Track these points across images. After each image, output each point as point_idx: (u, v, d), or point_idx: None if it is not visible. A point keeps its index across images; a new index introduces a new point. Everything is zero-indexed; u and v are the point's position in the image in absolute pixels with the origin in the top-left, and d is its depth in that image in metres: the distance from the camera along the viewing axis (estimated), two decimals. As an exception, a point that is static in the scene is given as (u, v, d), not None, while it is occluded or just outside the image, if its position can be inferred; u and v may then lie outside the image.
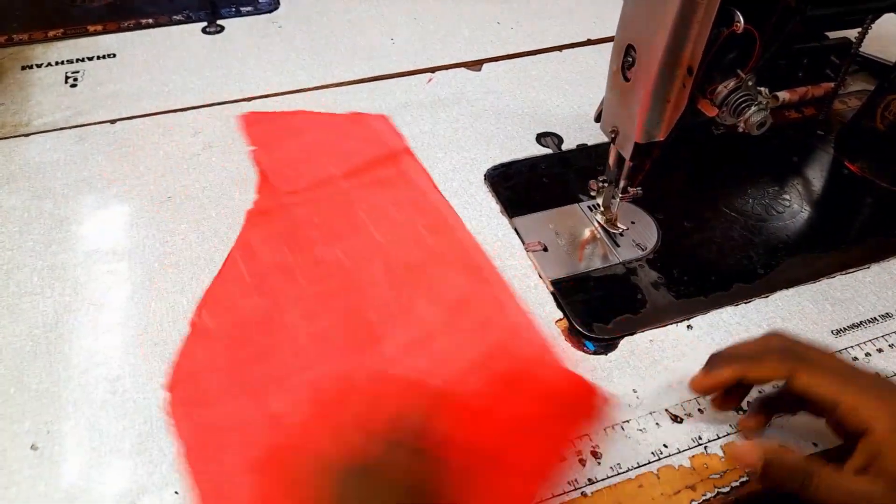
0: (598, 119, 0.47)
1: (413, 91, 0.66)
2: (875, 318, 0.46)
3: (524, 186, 0.56)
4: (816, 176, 0.58)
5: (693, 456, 0.39)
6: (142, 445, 0.38)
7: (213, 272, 0.48)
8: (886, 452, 0.32)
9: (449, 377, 0.42)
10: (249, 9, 0.79)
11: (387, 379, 0.42)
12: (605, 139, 0.46)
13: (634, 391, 0.42)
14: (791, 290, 0.48)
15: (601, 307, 0.46)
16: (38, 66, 0.69)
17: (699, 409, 0.41)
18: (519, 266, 0.49)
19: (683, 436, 0.39)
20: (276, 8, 0.80)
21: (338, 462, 0.35)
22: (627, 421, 0.40)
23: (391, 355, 0.43)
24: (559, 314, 0.46)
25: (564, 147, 0.60)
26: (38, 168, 0.56)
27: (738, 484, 0.37)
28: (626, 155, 0.44)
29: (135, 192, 0.54)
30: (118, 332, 0.44)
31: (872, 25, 0.55)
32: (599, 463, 0.38)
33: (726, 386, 0.38)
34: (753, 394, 0.40)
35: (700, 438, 0.39)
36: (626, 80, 0.41)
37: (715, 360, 0.39)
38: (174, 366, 0.42)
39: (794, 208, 0.55)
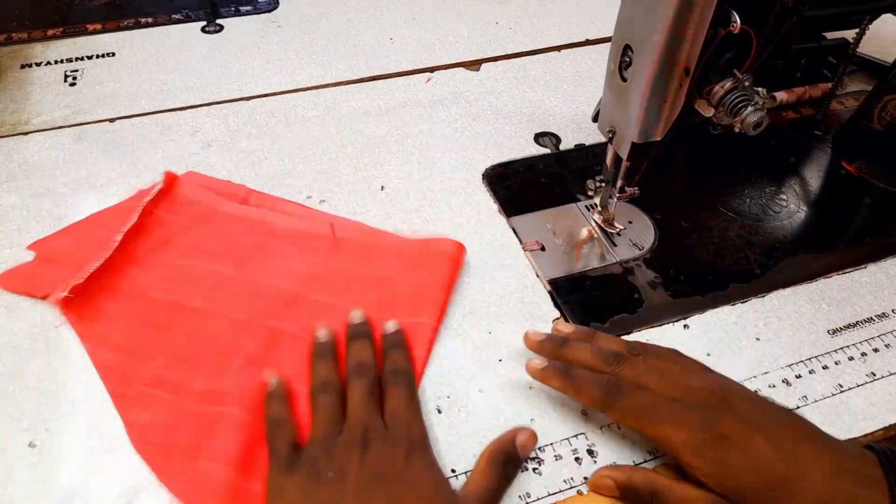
0: (595, 119, 0.47)
1: (411, 91, 0.66)
2: (871, 318, 0.46)
3: (522, 186, 0.56)
4: (814, 176, 0.58)
5: (689, 455, 0.39)
6: (140, 443, 0.38)
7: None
8: (697, 475, 0.35)
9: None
10: (249, 8, 0.79)
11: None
12: (603, 139, 0.46)
13: (631, 390, 0.42)
14: (787, 290, 0.48)
15: (598, 306, 0.46)
16: (38, 64, 0.69)
17: (695, 408, 0.41)
18: (516, 266, 0.49)
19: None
20: (275, 7, 0.80)
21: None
22: (624, 420, 0.40)
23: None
24: (556, 313, 0.46)
25: (562, 147, 0.60)
26: (37, 166, 0.56)
27: (733, 482, 0.37)
28: (624, 155, 0.44)
29: (134, 191, 0.54)
30: (116, 330, 0.44)
31: (870, 26, 0.55)
32: (595, 461, 0.38)
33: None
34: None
35: (696, 437, 0.39)
36: (624, 80, 0.42)
37: (553, 358, 0.41)
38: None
39: (792, 208, 0.55)
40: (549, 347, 0.42)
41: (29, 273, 0.47)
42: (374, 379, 0.40)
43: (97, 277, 0.45)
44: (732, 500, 0.34)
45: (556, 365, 0.40)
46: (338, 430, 0.37)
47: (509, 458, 0.37)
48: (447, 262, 0.47)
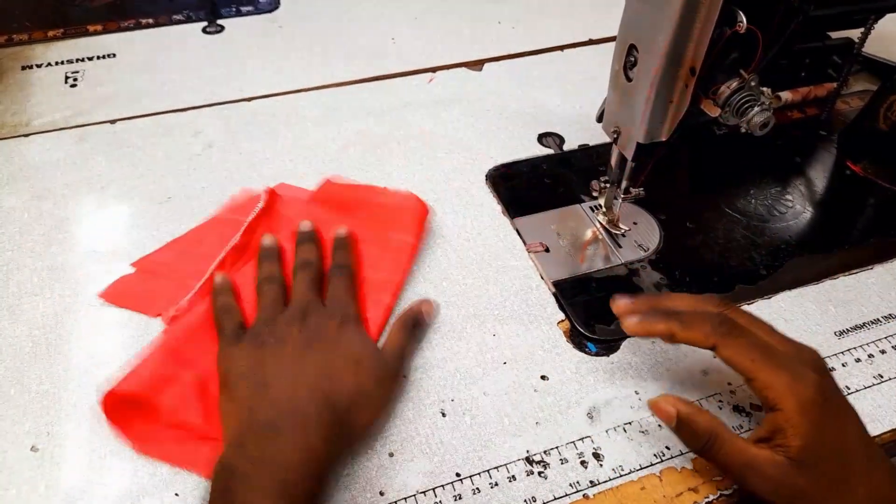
0: (600, 119, 0.47)
1: (414, 91, 0.66)
2: (878, 320, 0.46)
3: (525, 187, 0.55)
4: (819, 176, 0.58)
5: (695, 458, 0.38)
6: (142, 447, 0.38)
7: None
8: (788, 430, 0.34)
9: None
10: (250, 8, 0.79)
11: None
12: (607, 139, 0.46)
13: (636, 392, 0.42)
14: (794, 292, 0.48)
15: (603, 308, 0.46)
16: (38, 66, 0.69)
17: (702, 411, 0.40)
18: (520, 267, 0.49)
19: (686, 438, 0.39)
20: (276, 8, 0.80)
21: None
22: (630, 422, 0.40)
23: None
24: (561, 315, 0.46)
25: (566, 147, 0.60)
26: (37, 168, 0.56)
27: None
28: (629, 155, 0.44)
29: (135, 193, 0.54)
30: (118, 332, 0.44)
31: (875, 25, 0.55)
32: (601, 465, 0.38)
33: (656, 336, 0.39)
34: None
35: (703, 440, 0.39)
36: (629, 80, 0.41)
37: (651, 309, 0.39)
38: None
39: (797, 209, 0.54)
40: (644, 302, 0.40)
41: (132, 288, 0.47)
42: (318, 273, 0.45)
43: (197, 297, 0.45)
44: (806, 465, 0.33)
45: (658, 310, 0.38)
46: (280, 310, 0.42)
47: (417, 322, 0.43)
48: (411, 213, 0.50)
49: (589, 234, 0.51)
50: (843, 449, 0.34)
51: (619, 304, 0.40)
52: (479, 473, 0.38)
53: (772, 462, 0.34)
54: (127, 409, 0.39)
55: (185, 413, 0.39)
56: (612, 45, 0.42)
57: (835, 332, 0.45)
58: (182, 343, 0.42)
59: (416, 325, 0.44)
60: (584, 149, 0.60)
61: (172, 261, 0.49)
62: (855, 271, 0.49)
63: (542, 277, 0.48)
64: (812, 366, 0.35)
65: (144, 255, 0.49)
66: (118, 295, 0.46)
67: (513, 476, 0.38)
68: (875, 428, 0.40)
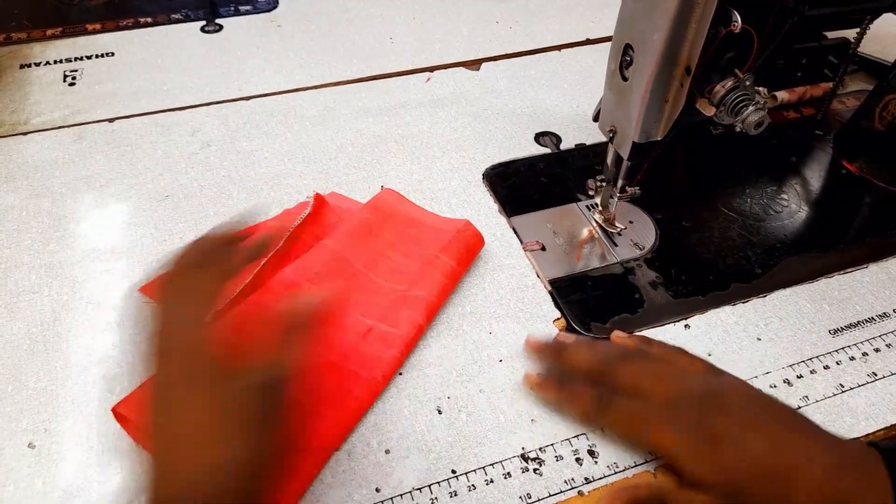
0: (596, 118, 0.47)
1: (411, 90, 0.66)
2: (873, 318, 0.46)
3: (522, 186, 0.56)
4: (815, 176, 0.58)
5: (690, 455, 0.39)
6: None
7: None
8: (687, 469, 0.35)
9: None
10: (248, 8, 0.79)
11: None
12: (604, 139, 0.46)
13: (632, 390, 0.42)
14: (789, 290, 0.48)
15: (599, 307, 0.46)
16: (37, 64, 0.69)
17: (696, 409, 0.41)
18: (517, 265, 0.49)
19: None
20: (274, 7, 0.80)
21: None
22: (625, 420, 0.40)
23: None
24: (557, 313, 0.46)
25: (563, 146, 0.60)
26: (36, 167, 0.56)
27: (735, 483, 0.37)
28: (625, 154, 0.44)
29: (133, 191, 0.54)
30: (116, 330, 0.44)
31: (871, 25, 0.55)
32: (596, 462, 0.38)
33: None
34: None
35: (697, 438, 0.39)
36: (625, 79, 0.41)
37: (554, 354, 0.42)
38: None
39: (793, 208, 0.55)
40: (548, 351, 0.42)
41: None
42: None
43: (233, 301, 0.43)
44: (734, 499, 0.34)
45: (553, 378, 0.41)
46: None
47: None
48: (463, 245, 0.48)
49: (585, 232, 0.52)
50: (755, 462, 0.34)
51: (530, 344, 0.43)
52: (474, 470, 0.38)
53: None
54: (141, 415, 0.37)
55: None
56: (608, 44, 0.42)
57: (829, 331, 0.45)
58: None
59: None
60: (580, 148, 0.60)
61: None
62: (850, 270, 0.49)
63: (538, 276, 0.48)
64: (699, 403, 0.36)
65: None
66: (154, 290, 0.45)
67: (508, 473, 0.38)
68: (869, 426, 0.40)
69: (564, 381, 0.40)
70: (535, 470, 0.38)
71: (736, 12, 0.37)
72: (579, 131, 0.61)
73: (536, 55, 0.72)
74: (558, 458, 0.38)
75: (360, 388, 0.40)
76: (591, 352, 0.41)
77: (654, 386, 0.38)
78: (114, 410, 0.38)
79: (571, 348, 0.42)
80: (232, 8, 0.79)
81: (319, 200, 0.50)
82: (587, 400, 0.39)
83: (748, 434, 0.35)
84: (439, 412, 0.40)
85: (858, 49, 0.58)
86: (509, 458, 0.38)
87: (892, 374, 0.43)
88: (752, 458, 0.34)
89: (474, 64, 0.70)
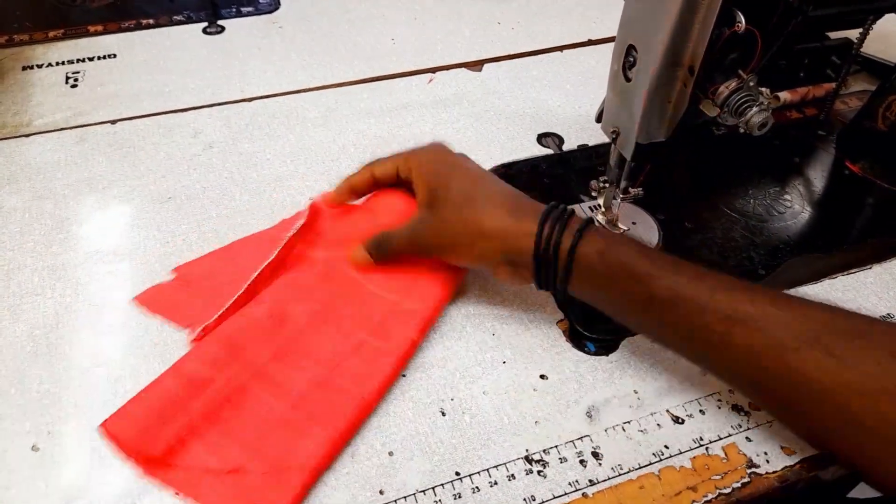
0: (599, 119, 0.47)
1: (414, 91, 0.66)
2: (876, 319, 0.46)
3: (525, 187, 0.55)
4: (818, 176, 0.58)
5: (694, 457, 0.39)
6: (142, 446, 0.38)
7: (214, 273, 0.48)
8: (416, 188, 0.45)
9: None
10: (250, 9, 0.79)
11: None
12: (607, 140, 0.46)
13: (635, 392, 0.42)
14: (792, 291, 0.48)
15: (602, 308, 0.46)
16: (39, 66, 0.69)
17: (700, 411, 0.41)
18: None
19: (685, 437, 0.39)
20: (276, 8, 0.80)
21: None
22: (629, 422, 0.40)
23: None
24: (560, 315, 0.46)
25: (565, 147, 0.60)
26: (38, 168, 0.56)
27: (739, 485, 0.37)
28: (628, 155, 0.44)
29: (135, 193, 0.54)
30: (119, 332, 0.44)
31: (874, 25, 0.55)
32: (600, 464, 0.38)
33: (359, 189, 0.49)
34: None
35: (701, 439, 0.39)
36: (628, 80, 0.41)
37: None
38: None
39: (796, 209, 0.54)
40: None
41: (168, 296, 0.46)
42: None
43: (225, 314, 0.43)
44: (432, 212, 0.43)
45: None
46: None
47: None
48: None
49: (588, 233, 0.51)
50: (448, 173, 0.44)
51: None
52: (478, 472, 0.38)
53: (415, 223, 0.44)
54: (131, 435, 0.37)
55: (192, 443, 0.38)
56: (611, 45, 0.42)
57: (833, 332, 0.45)
58: (196, 367, 0.40)
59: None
60: (583, 149, 0.60)
61: (210, 273, 0.47)
62: (853, 271, 0.49)
63: (541, 277, 0.48)
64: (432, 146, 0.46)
65: (185, 262, 0.48)
66: (152, 301, 0.46)
67: (512, 475, 0.38)
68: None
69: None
70: (539, 472, 0.38)
71: (740, 13, 0.37)
72: (582, 132, 0.61)
73: (539, 56, 0.72)
74: (562, 460, 0.38)
75: (350, 405, 0.40)
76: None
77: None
78: (104, 427, 0.38)
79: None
80: (234, 9, 0.79)
81: (314, 210, 0.48)
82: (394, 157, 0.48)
83: (462, 161, 0.46)
84: (443, 414, 0.40)
85: (861, 49, 0.58)
86: (513, 461, 0.38)
87: None
88: (458, 172, 0.44)
89: (476, 65, 0.70)
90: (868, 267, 0.50)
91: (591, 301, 0.41)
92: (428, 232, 0.44)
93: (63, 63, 0.69)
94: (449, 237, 0.43)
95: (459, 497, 0.37)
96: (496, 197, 0.42)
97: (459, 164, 0.45)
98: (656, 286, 0.37)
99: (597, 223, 0.50)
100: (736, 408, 0.41)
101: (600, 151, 0.59)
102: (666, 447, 0.39)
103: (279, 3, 0.81)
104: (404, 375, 0.42)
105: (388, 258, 0.46)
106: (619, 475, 0.38)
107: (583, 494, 0.37)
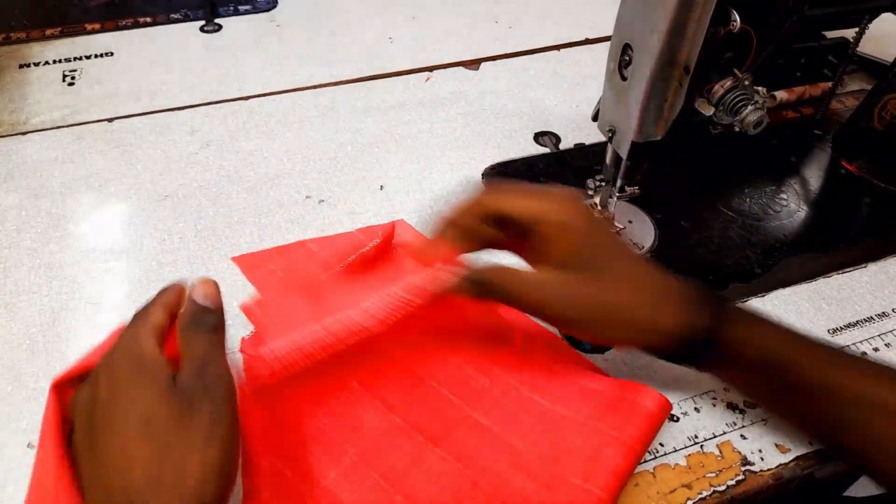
0: (595, 118, 0.47)
1: (411, 90, 0.66)
2: (871, 318, 0.46)
3: (522, 185, 0.56)
4: (814, 175, 0.58)
5: (689, 454, 0.39)
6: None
7: (210, 271, 0.48)
8: (551, 243, 0.36)
9: None
10: (247, 7, 0.79)
11: None
12: (603, 138, 0.46)
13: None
14: (788, 290, 0.48)
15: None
16: (36, 64, 0.69)
17: (695, 409, 0.41)
18: (517, 265, 0.49)
19: (679, 434, 0.40)
20: (274, 7, 0.80)
21: None
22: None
23: None
24: (556, 313, 0.46)
25: (562, 146, 0.60)
26: (35, 166, 0.56)
27: (734, 482, 0.37)
28: (624, 154, 0.44)
29: (132, 191, 0.54)
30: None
31: (870, 25, 0.55)
32: (596, 462, 0.38)
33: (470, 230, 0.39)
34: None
35: (696, 437, 0.39)
36: (624, 79, 0.41)
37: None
38: None
39: (792, 208, 0.55)
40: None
41: (265, 273, 0.47)
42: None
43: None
44: (578, 276, 0.36)
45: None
46: None
47: (195, 317, 0.33)
48: (643, 419, 0.38)
49: (584, 232, 0.52)
50: (601, 244, 0.37)
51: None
52: (474, 470, 0.38)
53: (547, 282, 0.36)
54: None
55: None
56: (607, 44, 0.42)
57: (828, 330, 0.45)
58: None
59: (197, 320, 0.33)
60: (579, 148, 0.60)
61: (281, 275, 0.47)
62: (849, 269, 0.49)
63: (537, 275, 0.48)
64: (563, 194, 0.38)
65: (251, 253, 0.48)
66: (250, 269, 0.47)
67: (507, 473, 0.38)
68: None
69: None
70: (534, 470, 0.38)
71: (735, 12, 0.37)
72: (578, 131, 0.61)
73: (535, 55, 0.72)
74: (557, 457, 0.38)
75: None
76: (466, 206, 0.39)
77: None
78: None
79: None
80: (231, 8, 0.79)
81: (389, 235, 0.42)
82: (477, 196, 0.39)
83: (603, 224, 0.40)
84: (438, 412, 0.40)
85: (857, 49, 0.58)
86: (508, 458, 0.38)
87: (891, 374, 0.43)
88: (597, 233, 0.37)
89: (473, 64, 0.70)
90: (863, 266, 0.50)
91: (728, 381, 0.39)
92: (562, 298, 0.36)
93: (60, 61, 0.69)
94: (585, 312, 0.36)
95: (455, 494, 0.37)
96: (644, 281, 0.37)
97: (614, 237, 0.40)
98: (809, 376, 0.35)
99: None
100: (731, 406, 0.41)
101: (597, 150, 0.59)
102: (661, 445, 0.39)
103: (277, 2, 0.81)
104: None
105: (486, 300, 0.38)
106: (615, 473, 0.38)
107: (578, 492, 0.37)
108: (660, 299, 0.37)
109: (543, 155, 0.59)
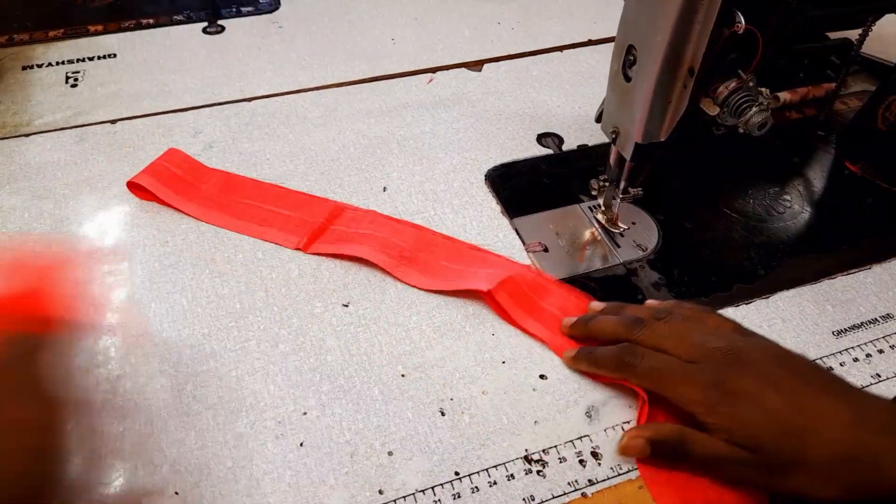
0: (598, 119, 0.47)
1: (413, 91, 0.66)
2: (876, 319, 0.46)
3: (525, 187, 0.56)
4: (817, 176, 0.58)
5: (694, 457, 0.38)
6: (142, 446, 0.38)
7: (214, 272, 0.48)
8: (706, 422, 0.36)
9: None
10: (250, 9, 0.79)
11: None
12: (606, 140, 0.46)
13: (634, 392, 0.42)
14: (792, 291, 0.48)
15: (602, 308, 0.46)
16: (39, 66, 0.69)
17: (700, 410, 0.41)
18: (519, 266, 0.49)
19: (684, 437, 0.39)
20: (276, 8, 0.80)
21: None
22: (628, 422, 0.40)
23: None
24: (560, 315, 0.46)
25: (565, 147, 0.60)
26: (38, 168, 0.56)
27: (738, 485, 0.37)
28: (627, 155, 0.44)
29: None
30: (119, 332, 0.44)
31: (873, 26, 0.55)
32: (600, 464, 0.38)
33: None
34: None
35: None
36: (627, 80, 0.41)
37: (583, 330, 0.43)
38: None
39: (795, 209, 0.55)
40: (579, 328, 0.43)
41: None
42: None
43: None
44: (750, 452, 0.35)
45: (583, 349, 0.42)
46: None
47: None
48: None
49: (588, 234, 0.52)
50: (771, 419, 0.35)
51: (563, 326, 0.44)
52: (477, 472, 0.38)
53: (734, 451, 0.35)
54: None
55: None
56: (611, 45, 0.42)
57: (832, 332, 0.45)
58: None
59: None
60: (582, 149, 0.60)
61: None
62: (853, 271, 0.49)
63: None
64: (719, 359, 0.37)
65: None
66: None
67: (511, 475, 0.38)
68: (873, 427, 0.40)
69: (592, 351, 0.42)
70: (538, 472, 0.38)
71: (739, 13, 0.37)
72: (581, 132, 0.61)
73: (538, 56, 0.72)
74: (562, 459, 0.38)
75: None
76: (617, 319, 0.41)
77: (677, 344, 0.38)
78: None
79: (597, 319, 0.43)
80: (233, 9, 0.79)
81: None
82: (610, 358, 0.40)
83: (767, 391, 0.35)
84: (442, 414, 0.40)
85: (861, 50, 0.58)
86: (512, 460, 0.38)
87: (896, 376, 0.43)
88: (768, 415, 0.35)
89: (476, 65, 0.70)
90: (868, 267, 0.50)
91: None
92: (751, 482, 0.36)
93: (63, 63, 0.69)
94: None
95: (459, 497, 0.37)
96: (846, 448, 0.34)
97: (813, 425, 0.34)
98: None
99: (596, 224, 0.51)
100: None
101: (600, 151, 0.58)
102: None
103: (279, 3, 0.80)
104: (403, 375, 0.42)
105: (666, 459, 0.38)
106: (619, 475, 0.38)
107: (582, 494, 0.37)
108: (872, 453, 0.33)
109: (546, 156, 0.59)
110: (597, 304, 0.45)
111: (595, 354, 0.41)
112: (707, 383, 0.36)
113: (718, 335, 0.39)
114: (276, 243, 0.50)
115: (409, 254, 0.49)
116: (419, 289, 0.47)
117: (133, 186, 0.53)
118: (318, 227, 0.51)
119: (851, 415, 0.34)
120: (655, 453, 0.37)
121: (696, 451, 0.36)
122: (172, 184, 0.53)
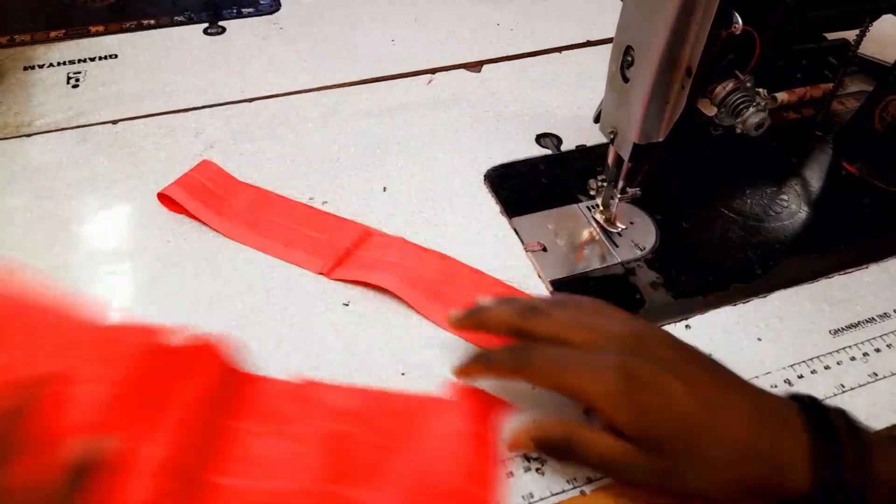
0: (597, 120, 0.47)
1: (413, 92, 0.67)
2: (873, 318, 0.46)
3: (523, 187, 0.56)
4: (814, 177, 0.58)
5: None
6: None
7: (215, 272, 0.48)
8: (609, 414, 0.34)
9: None
10: (251, 10, 0.80)
11: None
12: (605, 140, 0.46)
13: (633, 390, 0.42)
14: (789, 291, 0.48)
15: (600, 307, 0.46)
16: (40, 66, 0.69)
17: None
18: (519, 266, 0.49)
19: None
20: (277, 9, 0.80)
21: None
22: (626, 420, 0.40)
23: None
24: (559, 314, 0.46)
25: (563, 148, 0.60)
26: (40, 169, 0.56)
27: (736, 482, 0.38)
28: (625, 156, 0.45)
29: (137, 193, 0.54)
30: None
31: (871, 26, 0.55)
32: (598, 461, 0.39)
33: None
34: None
35: None
36: (625, 80, 0.42)
37: (474, 321, 0.40)
38: None
39: (793, 209, 0.55)
40: (469, 320, 0.40)
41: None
42: None
43: None
44: (651, 449, 0.34)
45: (474, 355, 0.39)
46: None
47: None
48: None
49: (586, 233, 0.52)
50: (676, 410, 0.33)
51: (451, 319, 0.40)
52: (477, 470, 0.38)
53: (624, 451, 0.34)
54: None
55: None
56: (609, 46, 0.43)
57: (830, 331, 0.46)
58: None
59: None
60: (581, 149, 0.60)
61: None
62: (850, 270, 0.50)
63: (539, 277, 0.49)
64: (621, 347, 0.35)
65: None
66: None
67: (510, 472, 0.38)
68: (870, 425, 0.40)
69: (483, 353, 0.39)
70: (537, 470, 0.38)
71: (737, 14, 0.37)
72: (580, 133, 0.62)
73: (537, 57, 0.72)
74: (560, 457, 0.39)
75: None
76: (509, 307, 0.38)
77: (577, 332, 0.36)
78: None
79: (488, 310, 0.39)
80: (234, 10, 0.79)
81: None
82: (504, 355, 0.37)
83: (670, 379, 0.34)
84: (442, 412, 0.41)
85: (858, 50, 0.59)
86: (511, 458, 0.39)
87: (893, 375, 0.43)
88: (673, 406, 0.33)
89: (475, 66, 0.71)
90: (865, 266, 0.50)
91: None
92: (646, 479, 0.35)
93: (64, 63, 0.70)
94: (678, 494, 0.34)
95: (458, 494, 0.37)
96: (744, 439, 0.33)
97: (710, 424, 0.33)
98: None
99: (595, 223, 0.51)
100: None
101: (598, 152, 0.59)
102: None
103: (280, 4, 0.81)
104: (403, 374, 0.43)
105: (565, 460, 0.37)
106: (617, 473, 0.38)
107: (581, 492, 0.37)
108: (772, 451, 0.32)
109: (545, 156, 0.59)
110: (483, 300, 0.41)
111: (489, 356, 0.38)
112: (609, 371, 0.34)
113: (618, 322, 0.37)
114: (300, 266, 0.48)
115: (435, 286, 0.46)
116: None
117: (163, 198, 0.53)
118: (343, 251, 0.49)
119: (752, 409, 0.34)
120: (544, 451, 0.37)
121: (582, 453, 0.35)
122: (203, 196, 0.52)
